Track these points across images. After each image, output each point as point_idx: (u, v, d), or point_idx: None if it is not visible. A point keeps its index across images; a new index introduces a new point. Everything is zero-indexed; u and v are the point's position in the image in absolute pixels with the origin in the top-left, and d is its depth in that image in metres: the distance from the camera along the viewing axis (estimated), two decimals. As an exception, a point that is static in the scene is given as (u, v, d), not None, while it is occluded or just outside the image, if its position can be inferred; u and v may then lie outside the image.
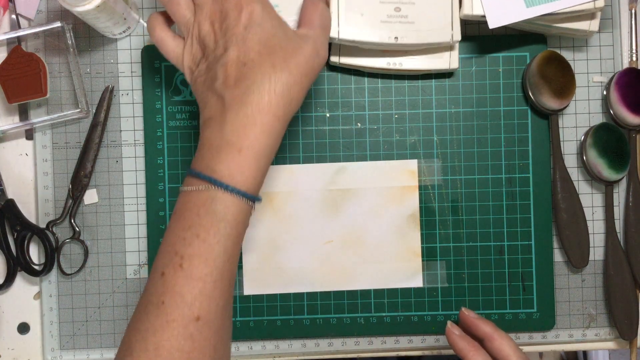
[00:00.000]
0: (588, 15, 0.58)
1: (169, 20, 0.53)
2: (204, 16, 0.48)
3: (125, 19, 0.59)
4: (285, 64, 0.46)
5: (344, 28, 0.56)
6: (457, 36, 0.57)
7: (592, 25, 0.58)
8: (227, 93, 0.45)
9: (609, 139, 0.61)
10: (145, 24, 0.62)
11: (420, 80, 0.62)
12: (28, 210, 0.62)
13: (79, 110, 0.61)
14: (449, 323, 0.58)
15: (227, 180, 0.44)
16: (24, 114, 0.62)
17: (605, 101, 0.62)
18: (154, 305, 0.44)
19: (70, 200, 0.62)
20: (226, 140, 0.45)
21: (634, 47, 0.63)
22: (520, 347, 0.63)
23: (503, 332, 0.56)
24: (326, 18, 0.51)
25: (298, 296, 0.62)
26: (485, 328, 0.56)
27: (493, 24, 0.56)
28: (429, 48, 0.59)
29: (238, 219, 0.45)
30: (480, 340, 0.56)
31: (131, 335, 0.44)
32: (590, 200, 0.63)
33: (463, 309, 0.59)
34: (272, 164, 0.61)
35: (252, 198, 0.45)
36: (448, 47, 0.59)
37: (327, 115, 0.62)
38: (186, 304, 0.43)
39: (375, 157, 0.62)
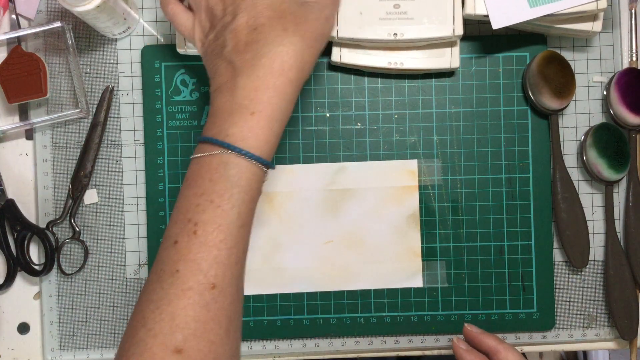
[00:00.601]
0: (590, 16, 0.58)
1: None
2: None
3: (125, 19, 0.59)
4: (296, 28, 0.45)
5: (342, 27, 0.56)
6: (459, 30, 0.57)
7: (595, 26, 0.58)
8: (237, 58, 0.45)
9: (609, 139, 0.61)
10: (145, 24, 0.62)
11: (420, 80, 0.62)
12: (28, 210, 0.62)
13: (79, 110, 0.61)
14: (455, 338, 0.58)
15: (240, 144, 0.43)
16: (24, 114, 0.62)
17: (605, 101, 0.62)
18: (168, 274, 0.42)
19: (70, 200, 0.62)
20: (238, 104, 0.44)
21: (634, 47, 0.63)
22: (520, 348, 0.63)
23: (507, 345, 0.56)
24: None
25: (298, 296, 0.62)
26: (490, 342, 0.57)
27: (496, 24, 0.56)
28: (430, 44, 0.59)
29: (252, 184, 0.44)
30: (485, 355, 0.57)
31: (144, 305, 0.43)
32: (590, 200, 0.63)
33: (466, 325, 0.59)
34: (272, 164, 0.61)
35: (265, 163, 0.44)
36: (449, 44, 0.59)
37: (327, 115, 0.62)
38: (202, 272, 0.42)
39: (375, 157, 0.62)
